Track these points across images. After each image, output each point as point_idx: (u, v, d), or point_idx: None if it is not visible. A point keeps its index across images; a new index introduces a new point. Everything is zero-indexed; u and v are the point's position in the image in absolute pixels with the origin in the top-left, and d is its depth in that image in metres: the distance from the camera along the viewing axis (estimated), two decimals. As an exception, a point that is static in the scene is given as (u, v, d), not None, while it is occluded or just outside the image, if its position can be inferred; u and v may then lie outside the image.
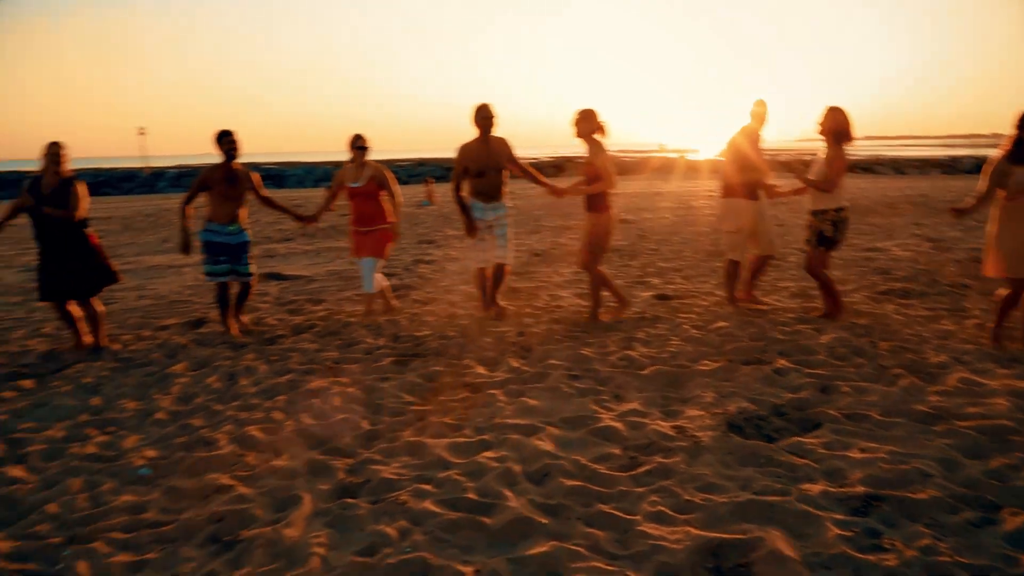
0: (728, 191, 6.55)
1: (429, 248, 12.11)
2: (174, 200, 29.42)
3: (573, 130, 6.23)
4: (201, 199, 6.35)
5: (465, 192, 6.62)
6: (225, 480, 3.54)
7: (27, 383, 5.18)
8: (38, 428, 4.33)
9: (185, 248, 6.32)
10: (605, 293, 6.53)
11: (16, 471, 3.74)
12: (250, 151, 6.10)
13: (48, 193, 5.76)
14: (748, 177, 6.41)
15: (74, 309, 6.00)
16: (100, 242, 6.12)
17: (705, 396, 4.42)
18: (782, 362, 4.97)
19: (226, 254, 6.31)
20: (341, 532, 3.03)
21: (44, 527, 3.16)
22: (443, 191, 25.37)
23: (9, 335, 6.71)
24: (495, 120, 6.48)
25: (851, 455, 3.52)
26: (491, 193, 6.53)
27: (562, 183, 7.08)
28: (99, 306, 6.10)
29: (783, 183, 7.01)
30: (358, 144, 6.62)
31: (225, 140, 6.26)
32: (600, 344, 5.63)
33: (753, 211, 6.50)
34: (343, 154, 6.81)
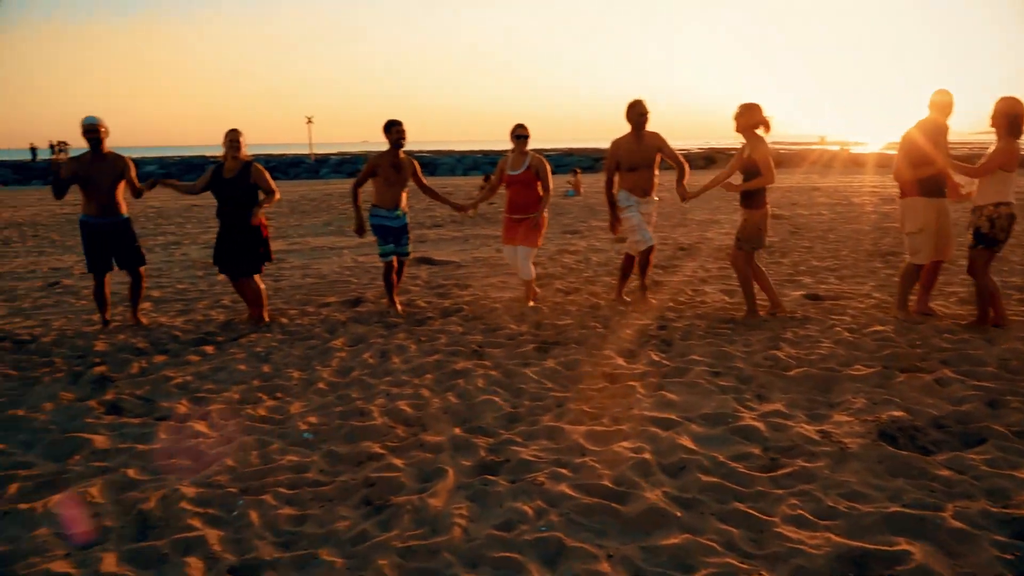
0: (905, 190, 6.13)
1: (573, 238, 12.20)
2: (336, 185, 31.23)
3: (734, 124, 6.10)
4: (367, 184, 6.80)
5: (616, 187, 6.73)
6: (377, 449, 3.80)
7: (209, 348, 5.76)
8: (217, 390, 4.82)
9: (360, 230, 6.77)
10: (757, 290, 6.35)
11: (200, 426, 4.20)
12: (410, 138, 6.45)
13: (230, 176, 6.33)
14: (922, 173, 5.96)
15: (247, 285, 6.57)
16: (268, 224, 6.66)
17: (855, 402, 4.23)
18: (945, 372, 4.66)
19: (392, 235, 6.72)
20: (481, 506, 3.19)
21: (222, 478, 3.54)
22: (589, 181, 25.41)
23: (195, 304, 7.46)
24: (648, 116, 6.53)
25: (1019, 475, 3.28)
26: (644, 188, 6.64)
27: (706, 177, 6.94)
28: (260, 284, 6.62)
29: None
30: (518, 133, 6.77)
31: (393, 129, 6.61)
32: (744, 342, 5.51)
33: (934, 209, 6.02)
34: (493, 144, 6.99)
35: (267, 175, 6.41)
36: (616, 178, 6.76)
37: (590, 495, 3.22)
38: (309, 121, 47.83)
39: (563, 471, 3.45)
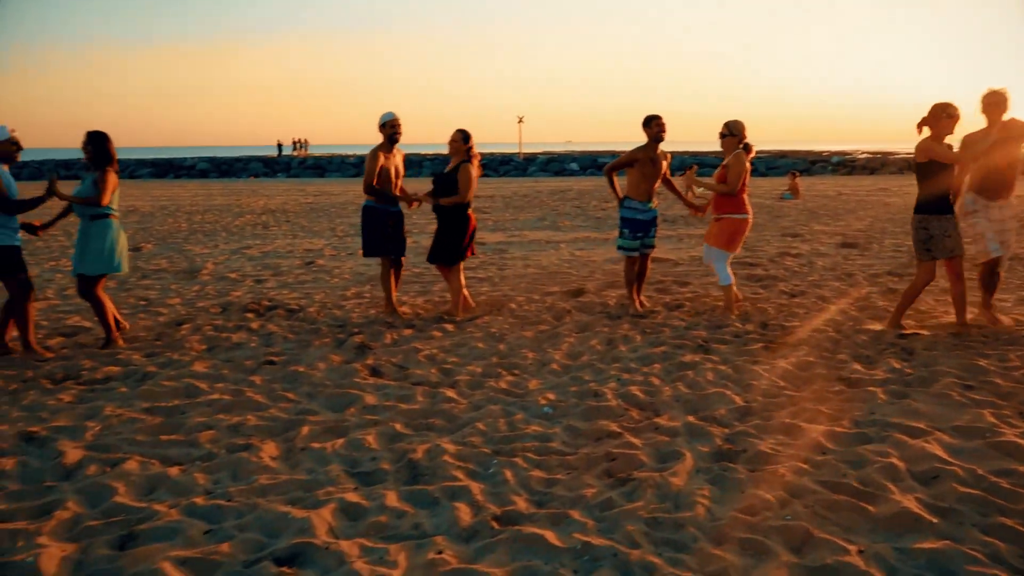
0: None
1: (794, 241, 11.75)
2: (544, 183, 32.13)
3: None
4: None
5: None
6: (614, 427, 4.00)
7: (449, 327, 6.28)
8: (461, 363, 5.27)
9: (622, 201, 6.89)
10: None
11: (450, 392, 4.64)
12: (608, 139, 6.55)
13: (444, 172, 6.73)
14: None
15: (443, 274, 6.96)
16: (475, 225, 6.90)
17: None
18: None
19: (643, 230, 6.79)
20: (722, 490, 3.28)
21: (476, 439, 3.91)
22: (806, 184, 24.12)
23: (431, 287, 8.13)
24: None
25: None
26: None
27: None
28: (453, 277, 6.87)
29: None
30: (722, 132, 6.65)
31: (654, 123, 6.58)
32: (999, 356, 5.09)
33: None
34: (700, 145, 6.89)
35: (473, 176, 6.58)
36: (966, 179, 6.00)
37: (835, 492, 3.20)
38: (520, 121, 49.39)
39: (804, 466, 3.45)
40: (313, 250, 11.49)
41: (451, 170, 6.64)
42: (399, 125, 6.65)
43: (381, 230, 6.70)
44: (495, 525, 3.04)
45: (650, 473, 3.42)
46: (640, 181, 6.72)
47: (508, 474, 3.47)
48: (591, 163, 43.94)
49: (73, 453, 3.83)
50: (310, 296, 7.74)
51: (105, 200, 5.62)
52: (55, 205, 5.80)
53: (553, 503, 3.23)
